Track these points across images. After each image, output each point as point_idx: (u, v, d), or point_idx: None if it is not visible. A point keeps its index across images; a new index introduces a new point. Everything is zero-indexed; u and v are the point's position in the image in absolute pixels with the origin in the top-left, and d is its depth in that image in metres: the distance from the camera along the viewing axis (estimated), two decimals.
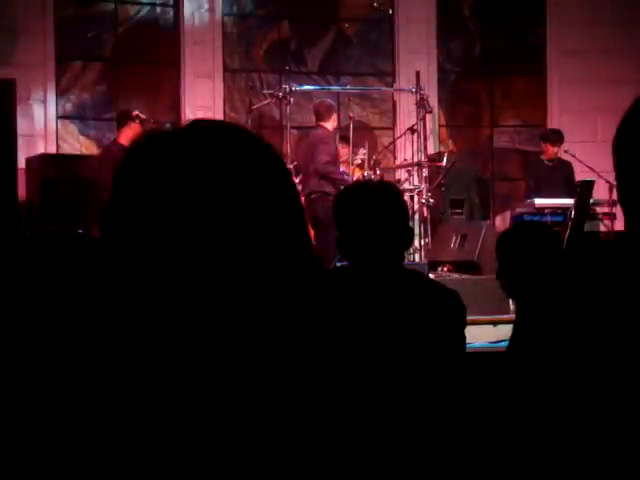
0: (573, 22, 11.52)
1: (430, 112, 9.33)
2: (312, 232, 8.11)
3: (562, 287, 1.35)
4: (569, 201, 8.90)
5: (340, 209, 2.89)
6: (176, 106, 10.84)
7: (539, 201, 9.09)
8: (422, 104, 9.16)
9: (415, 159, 9.27)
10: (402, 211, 2.89)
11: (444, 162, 9.45)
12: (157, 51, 11.09)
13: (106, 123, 10.21)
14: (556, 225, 8.23)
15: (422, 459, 2.54)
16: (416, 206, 9.10)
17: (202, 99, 10.72)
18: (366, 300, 2.77)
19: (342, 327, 2.69)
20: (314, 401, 0.97)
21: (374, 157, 9.48)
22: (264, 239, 0.95)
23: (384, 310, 2.75)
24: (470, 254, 8.73)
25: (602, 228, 9.27)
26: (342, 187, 6.15)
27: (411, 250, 8.65)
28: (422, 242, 8.93)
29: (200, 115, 1.04)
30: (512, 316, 5.56)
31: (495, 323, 6.83)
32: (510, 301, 6.36)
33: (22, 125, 9.14)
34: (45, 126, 10.26)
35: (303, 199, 8.39)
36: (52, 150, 10.19)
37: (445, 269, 8.89)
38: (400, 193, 3.18)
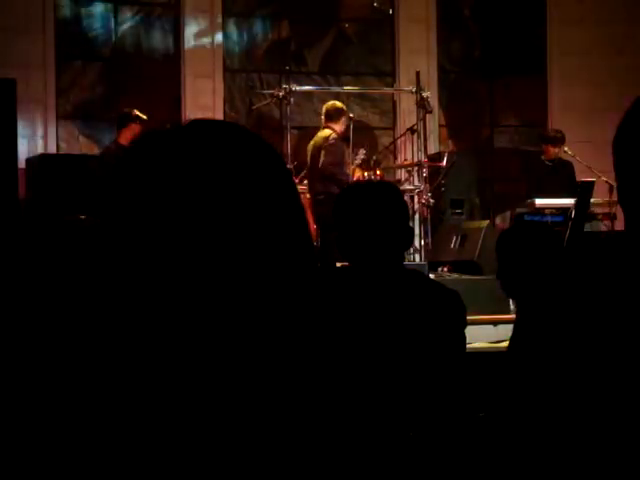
0: (573, 22, 11.53)
1: (430, 112, 9.33)
2: (318, 232, 8.16)
3: (562, 287, 1.35)
4: (569, 201, 8.89)
5: (340, 209, 2.89)
6: (176, 106, 10.84)
7: (539, 201, 9.08)
8: (422, 104, 9.16)
9: (415, 159, 9.26)
10: (402, 211, 2.89)
11: (444, 162, 9.45)
12: (157, 51, 11.10)
13: (106, 123, 10.20)
14: (556, 225, 8.22)
15: (422, 458, 2.54)
16: (416, 206, 9.10)
17: (202, 99, 10.72)
18: (366, 300, 2.77)
19: (342, 327, 2.69)
20: (315, 401, 0.97)
21: (374, 157, 9.48)
22: (264, 238, 0.95)
23: (384, 310, 2.75)
24: (470, 254, 8.73)
25: (602, 228, 9.27)
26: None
27: (411, 250, 8.65)
28: (422, 242, 8.92)
29: (200, 115, 1.04)
30: (512, 316, 5.57)
31: (495, 323, 6.84)
32: (510, 301, 6.36)
33: (22, 125, 9.15)
34: (45, 126, 10.26)
35: (310, 200, 8.42)
36: (52, 150, 10.19)
37: (445, 269, 8.89)
38: (400, 193, 3.17)
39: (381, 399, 2.62)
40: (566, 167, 9.80)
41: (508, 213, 10.58)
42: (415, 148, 9.33)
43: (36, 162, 9.21)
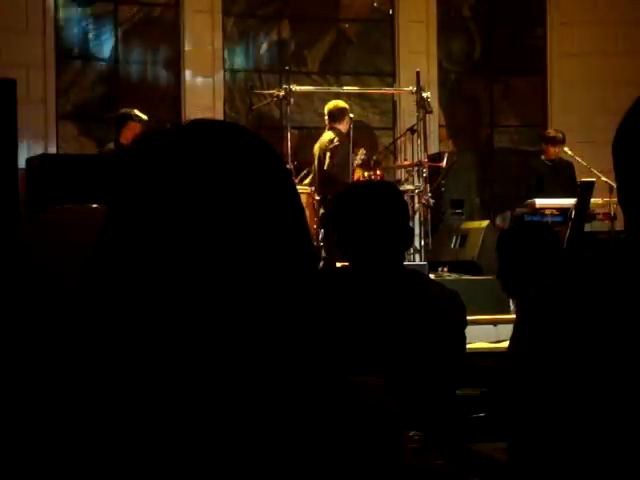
0: (573, 22, 11.53)
1: (430, 112, 9.32)
2: (323, 233, 8.21)
3: (562, 287, 1.35)
4: (569, 201, 8.89)
5: (340, 209, 2.89)
6: (176, 106, 10.84)
7: (539, 201, 9.08)
8: (422, 104, 9.15)
9: (415, 159, 9.26)
10: (402, 211, 2.88)
11: (444, 162, 9.44)
12: (157, 51, 11.10)
13: (106, 123, 10.20)
14: (556, 225, 8.22)
15: (422, 458, 2.53)
16: (416, 206, 9.10)
17: (202, 99, 10.72)
18: (367, 300, 2.77)
19: (342, 327, 2.69)
20: (315, 401, 0.97)
21: (374, 157, 9.48)
22: (264, 239, 0.95)
23: (384, 310, 2.75)
24: (470, 254, 8.73)
25: (602, 228, 9.27)
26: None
27: (411, 250, 8.65)
28: (422, 242, 8.92)
29: (200, 115, 1.04)
30: (512, 316, 5.56)
31: (495, 323, 6.84)
32: (510, 301, 6.36)
33: (22, 125, 9.15)
34: (45, 126, 10.26)
35: (320, 201, 8.45)
36: (52, 150, 10.19)
37: (445, 269, 8.89)
38: (400, 193, 3.17)
39: None
40: (566, 167, 9.80)
41: (508, 213, 10.57)
42: (415, 148, 9.33)
43: (36, 162, 9.20)
